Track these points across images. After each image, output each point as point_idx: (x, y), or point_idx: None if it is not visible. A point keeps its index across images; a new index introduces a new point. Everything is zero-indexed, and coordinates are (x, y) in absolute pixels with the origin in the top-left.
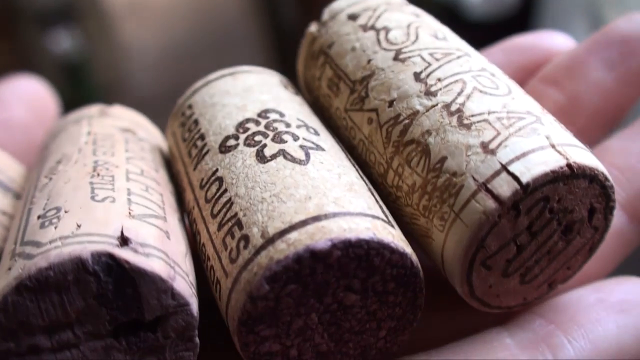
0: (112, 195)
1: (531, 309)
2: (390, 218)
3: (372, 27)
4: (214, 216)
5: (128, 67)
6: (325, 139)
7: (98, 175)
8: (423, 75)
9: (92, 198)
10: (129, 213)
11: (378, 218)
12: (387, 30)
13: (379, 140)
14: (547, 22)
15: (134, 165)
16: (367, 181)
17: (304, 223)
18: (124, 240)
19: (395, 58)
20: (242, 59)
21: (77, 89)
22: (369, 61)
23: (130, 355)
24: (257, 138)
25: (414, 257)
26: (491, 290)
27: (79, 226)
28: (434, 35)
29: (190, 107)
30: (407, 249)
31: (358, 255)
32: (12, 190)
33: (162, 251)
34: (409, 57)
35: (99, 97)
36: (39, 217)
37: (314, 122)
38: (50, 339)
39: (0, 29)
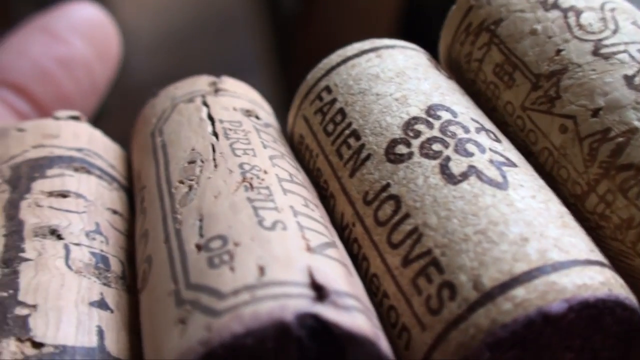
0: (279, 218)
1: None
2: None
3: (556, 5)
4: (393, 246)
5: (124, 52)
6: (509, 148)
7: (252, 187)
8: (637, 81)
9: (260, 224)
10: (307, 245)
11: (604, 265)
12: (576, 11)
13: (578, 155)
14: None
15: (280, 167)
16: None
17: (529, 276)
18: (318, 290)
19: (595, 53)
20: (240, 44)
21: None
22: (558, 52)
23: None
24: (436, 147)
25: None
26: None
27: (262, 270)
28: (635, 24)
29: (328, 90)
30: (635, 302)
31: (590, 315)
32: (117, 180)
33: (355, 298)
34: (614, 54)
35: None
36: (199, 247)
37: (487, 121)
38: None
39: None
